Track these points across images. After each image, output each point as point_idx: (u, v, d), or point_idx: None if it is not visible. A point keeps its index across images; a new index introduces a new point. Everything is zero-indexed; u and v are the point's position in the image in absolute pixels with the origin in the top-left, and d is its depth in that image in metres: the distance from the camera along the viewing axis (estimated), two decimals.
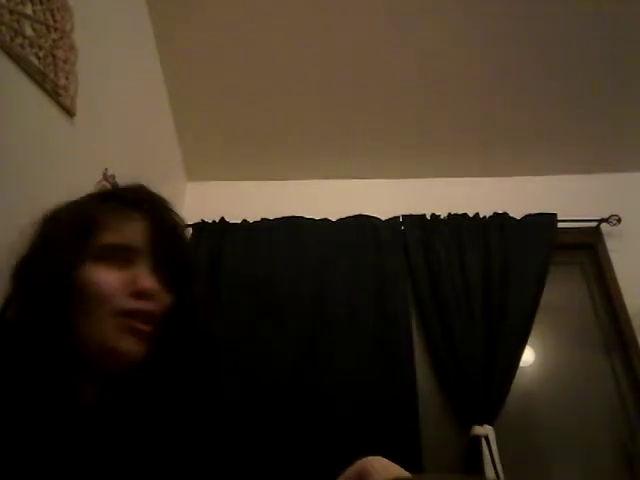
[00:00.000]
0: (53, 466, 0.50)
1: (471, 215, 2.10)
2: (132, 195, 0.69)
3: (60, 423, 0.53)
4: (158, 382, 0.66)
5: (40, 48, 1.13)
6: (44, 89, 1.15)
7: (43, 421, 0.51)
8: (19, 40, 1.06)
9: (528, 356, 1.95)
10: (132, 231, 0.64)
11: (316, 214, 2.12)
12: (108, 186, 1.46)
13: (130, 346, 0.60)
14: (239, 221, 2.12)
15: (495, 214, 2.09)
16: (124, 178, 1.51)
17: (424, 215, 2.11)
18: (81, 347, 0.59)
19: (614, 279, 2.04)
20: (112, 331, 0.59)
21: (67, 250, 0.61)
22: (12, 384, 0.51)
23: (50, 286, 0.59)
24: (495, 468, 1.61)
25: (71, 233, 0.62)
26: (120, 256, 0.62)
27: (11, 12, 1.03)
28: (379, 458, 0.43)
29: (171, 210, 0.71)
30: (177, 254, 0.67)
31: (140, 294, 0.61)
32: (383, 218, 2.12)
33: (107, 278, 0.60)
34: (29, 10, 1.10)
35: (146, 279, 0.61)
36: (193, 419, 0.72)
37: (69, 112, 1.26)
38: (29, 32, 1.10)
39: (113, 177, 1.49)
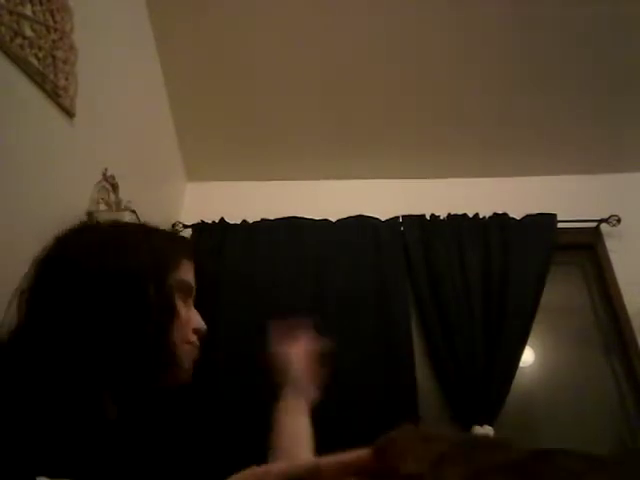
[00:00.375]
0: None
1: (471, 215, 2.10)
2: (190, 245, 0.85)
3: (86, 436, 0.55)
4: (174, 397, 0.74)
5: (40, 49, 1.13)
6: (44, 90, 1.15)
7: (74, 432, 0.53)
8: (19, 41, 1.06)
9: (528, 356, 1.95)
10: (192, 274, 0.75)
11: (316, 214, 2.12)
12: (108, 186, 1.47)
13: (189, 373, 0.71)
14: (239, 221, 2.12)
15: (495, 214, 2.09)
16: (124, 178, 1.52)
17: (424, 215, 2.11)
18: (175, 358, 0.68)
19: (614, 279, 2.04)
20: (184, 356, 0.69)
21: (161, 278, 0.68)
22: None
23: (157, 310, 0.66)
24: None
25: (159, 265, 0.70)
26: (185, 292, 0.73)
27: (11, 13, 1.02)
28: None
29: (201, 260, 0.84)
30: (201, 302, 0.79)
31: (200, 332, 0.73)
32: (383, 218, 2.12)
33: (183, 310, 0.71)
34: (29, 11, 1.10)
35: (203, 322, 0.74)
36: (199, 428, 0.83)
37: (69, 113, 1.26)
38: (29, 33, 1.10)
39: (113, 177, 1.49)
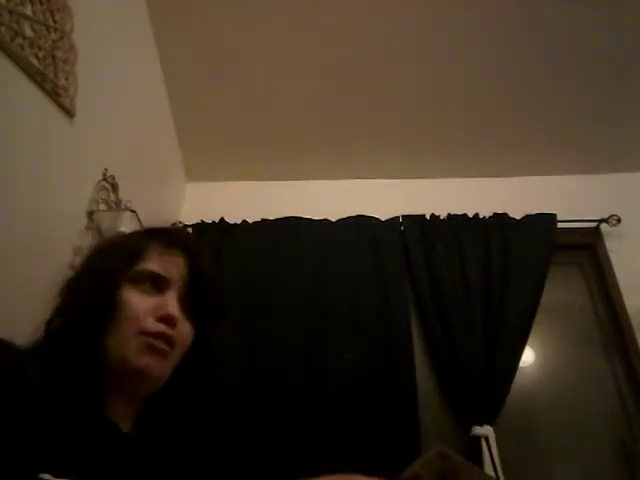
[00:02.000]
0: None
1: (471, 215, 2.10)
2: (176, 235, 0.79)
3: (96, 448, 0.55)
4: (180, 406, 0.73)
5: (40, 49, 1.13)
6: (44, 89, 1.15)
7: (74, 442, 0.53)
8: (19, 41, 1.06)
9: (528, 356, 1.95)
10: (170, 264, 0.71)
11: (316, 214, 2.12)
12: (108, 186, 1.47)
13: (149, 362, 0.64)
14: (239, 221, 2.12)
15: (495, 214, 2.09)
16: (124, 178, 1.52)
17: (424, 215, 2.11)
18: (109, 365, 0.63)
19: (614, 279, 2.03)
20: (134, 349, 0.64)
21: (110, 272, 0.68)
22: (49, 395, 0.54)
23: (89, 303, 0.65)
24: (495, 468, 1.61)
25: (116, 259, 0.70)
26: (153, 284, 0.69)
27: (11, 13, 1.03)
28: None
29: (207, 257, 0.80)
30: (205, 294, 0.73)
31: (164, 319, 0.66)
32: (383, 218, 2.12)
33: (138, 300, 0.66)
34: (29, 11, 1.10)
35: (172, 306, 0.67)
36: (208, 435, 0.82)
37: (69, 112, 1.26)
38: (29, 33, 1.10)
39: (113, 177, 1.49)
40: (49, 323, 0.67)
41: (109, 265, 0.69)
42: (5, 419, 0.48)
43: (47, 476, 0.45)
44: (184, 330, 0.69)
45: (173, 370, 0.69)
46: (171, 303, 0.67)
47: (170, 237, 0.75)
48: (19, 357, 0.55)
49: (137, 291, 0.67)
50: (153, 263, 0.70)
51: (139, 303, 0.66)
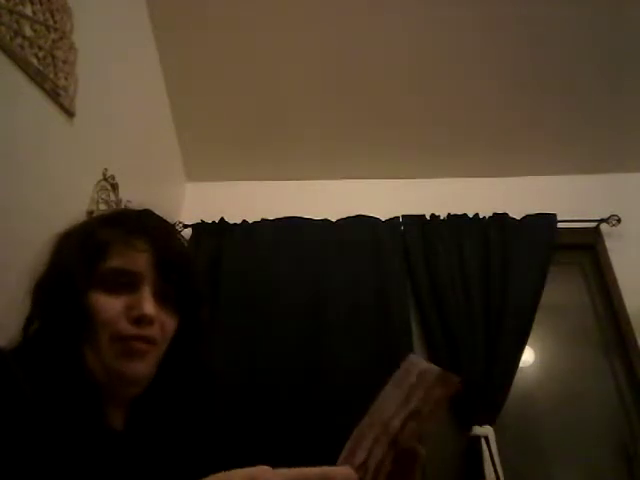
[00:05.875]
0: None
1: (471, 215, 2.10)
2: (138, 221, 0.71)
3: (84, 447, 0.54)
4: (172, 401, 0.69)
5: (40, 48, 1.13)
6: (44, 89, 1.15)
7: (65, 444, 0.52)
8: (19, 40, 1.06)
9: (528, 356, 1.95)
10: (135, 257, 0.64)
11: (316, 214, 2.12)
12: (108, 186, 1.47)
13: (133, 369, 0.62)
14: (239, 221, 2.12)
15: (495, 214, 2.09)
16: (124, 178, 1.52)
17: (424, 215, 2.11)
18: (91, 372, 0.60)
19: (614, 279, 2.03)
20: (112, 356, 0.61)
21: (75, 276, 0.63)
22: (33, 404, 0.52)
23: (61, 311, 0.61)
24: (495, 468, 1.61)
25: (80, 258, 0.64)
26: (123, 281, 0.63)
27: (11, 12, 1.03)
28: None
29: (176, 236, 0.73)
30: (182, 279, 0.67)
31: (139, 320, 0.62)
32: (383, 218, 2.11)
33: (107, 304, 0.62)
34: (29, 10, 1.10)
35: (146, 304, 0.62)
36: (202, 431, 0.77)
37: (69, 112, 1.26)
38: (29, 32, 1.10)
39: (113, 177, 1.49)
40: (26, 327, 0.64)
41: (73, 268, 0.63)
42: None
43: None
44: (165, 323, 0.65)
45: (161, 361, 0.66)
46: (145, 300, 0.62)
47: (132, 224, 0.69)
48: (4, 361, 0.54)
49: (106, 293, 0.62)
50: (118, 258, 0.64)
51: (109, 306, 0.61)
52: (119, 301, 0.62)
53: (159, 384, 0.67)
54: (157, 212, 0.74)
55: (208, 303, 0.75)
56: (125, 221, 0.71)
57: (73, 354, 0.59)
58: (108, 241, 0.65)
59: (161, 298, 0.65)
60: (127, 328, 0.61)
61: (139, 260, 0.64)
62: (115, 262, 0.64)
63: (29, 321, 0.65)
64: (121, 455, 0.60)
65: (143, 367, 0.63)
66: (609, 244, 2.10)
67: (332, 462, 0.50)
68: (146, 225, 0.70)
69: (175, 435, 0.69)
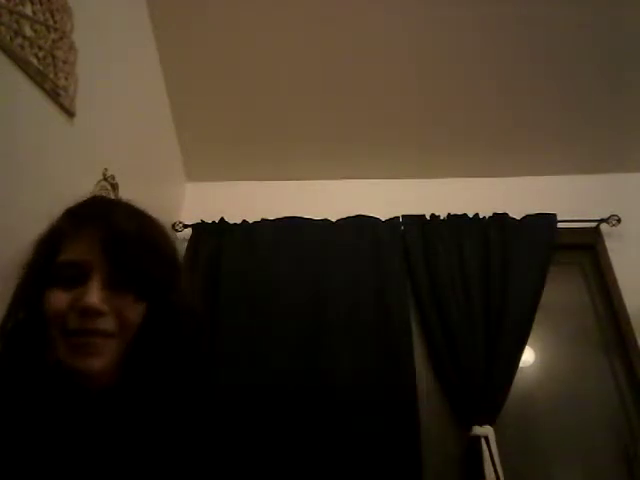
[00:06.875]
0: (56, 459, 0.53)
1: (471, 215, 2.10)
2: (83, 210, 0.69)
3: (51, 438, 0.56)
4: (148, 390, 0.65)
5: (40, 48, 1.13)
6: (44, 89, 1.15)
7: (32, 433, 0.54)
8: (19, 40, 1.06)
9: (528, 356, 1.95)
10: (84, 245, 0.62)
11: (316, 214, 2.12)
12: (108, 186, 1.47)
13: (87, 365, 0.59)
14: (239, 221, 2.12)
15: (495, 214, 2.09)
16: (124, 178, 1.52)
17: (424, 215, 2.11)
18: (53, 371, 0.60)
19: (614, 279, 2.03)
20: (65, 352, 0.59)
21: (36, 273, 0.63)
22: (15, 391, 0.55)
23: (27, 308, 0.63)
24: (495, 468, 1.61)
25: (41, 257, 0.64)
26: (72, 274, 0.61)
27: (11, 12, 1.03)
28: None
29: (134, 215, 0.69)
30: (139, 263, 0.63)
31: (84, 312, 0.59)
32: (383, 218, 2.11)
33: (56, 299, 0.60)
34: (29, 10, 1.10)
35: (91, 295, 0.59)
36: (189, 422, 0.72)
37: (69, 112, 1.26)
38: (29, 32, 1.10)
39: (113, 177, 1.49)
40: (4, 325, 0.65)
41: (35, 265, 0.64)
42: None
43: None
44: (124, 312, 0.62)
45: (130, 349, 0.63)
46: (89, 291, 0.59)
47: (79, 215, 0.67)
48: None
49: (59, 288, 0.61)
50: (69, 251, 0.62)
51: (57, 301, 0.60)
52: (66, 295, 0.60)
53: (134, 373, 0.64)
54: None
55: (182, 285, 0.70)
56: (77, 212, 0.69)
57: (36, 353, 0.60)
58: (61, 235, 0.64)
59: (116, 285, 0.62)
60: (74, 322, 0.59)
61: (87, 249, 0.62)
62: (65, 255, 0.62)
63: (4, 321, 0.65)
64: (89, 444, 0.59)
65: (98, 362, 0.60)
66: (609, 244, 2.10)
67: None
68: (94, 212, 0.67)
69: (154, 426, 0.64)
